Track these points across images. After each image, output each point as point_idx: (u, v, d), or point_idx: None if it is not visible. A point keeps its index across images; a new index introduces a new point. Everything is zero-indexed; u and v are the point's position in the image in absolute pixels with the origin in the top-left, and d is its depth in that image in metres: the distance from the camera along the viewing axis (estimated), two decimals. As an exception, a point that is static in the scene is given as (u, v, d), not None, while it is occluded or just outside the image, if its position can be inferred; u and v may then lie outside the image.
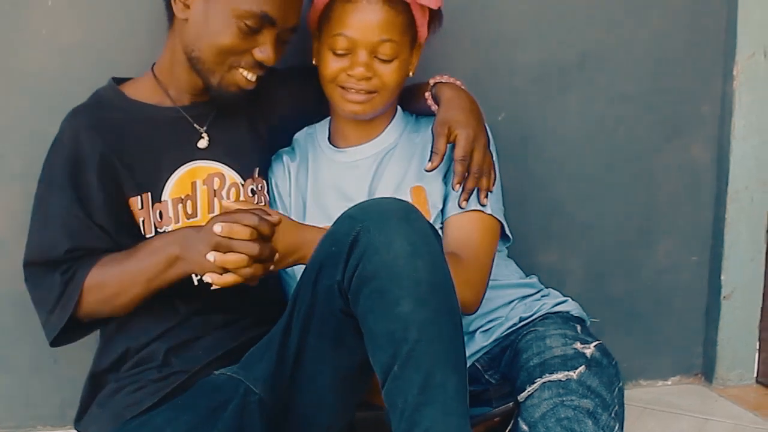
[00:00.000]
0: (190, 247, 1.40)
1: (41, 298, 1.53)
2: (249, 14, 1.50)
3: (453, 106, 1.59)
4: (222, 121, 1.63)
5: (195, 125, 1.62)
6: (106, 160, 1.53)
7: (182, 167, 1.59)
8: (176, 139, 1.60)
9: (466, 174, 1.56)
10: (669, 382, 2.18)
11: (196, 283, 1.56)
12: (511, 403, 1.45)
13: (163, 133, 1.59)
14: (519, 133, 1.98)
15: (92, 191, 1.52)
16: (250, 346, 1.49)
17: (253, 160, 1.66)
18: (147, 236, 1.55)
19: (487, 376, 1.64)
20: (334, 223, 1.33)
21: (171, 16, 1.58)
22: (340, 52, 1.57)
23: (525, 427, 1.41)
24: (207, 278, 1.36)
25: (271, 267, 1.39)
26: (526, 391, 1.45)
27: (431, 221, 1.54)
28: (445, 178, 1.62)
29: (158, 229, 1.56)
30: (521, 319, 1.64)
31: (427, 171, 1.55)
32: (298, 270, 1.63)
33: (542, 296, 1.70)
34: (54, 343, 1.53)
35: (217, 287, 1.37)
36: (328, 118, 1.72)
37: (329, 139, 1.71)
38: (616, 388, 1.51)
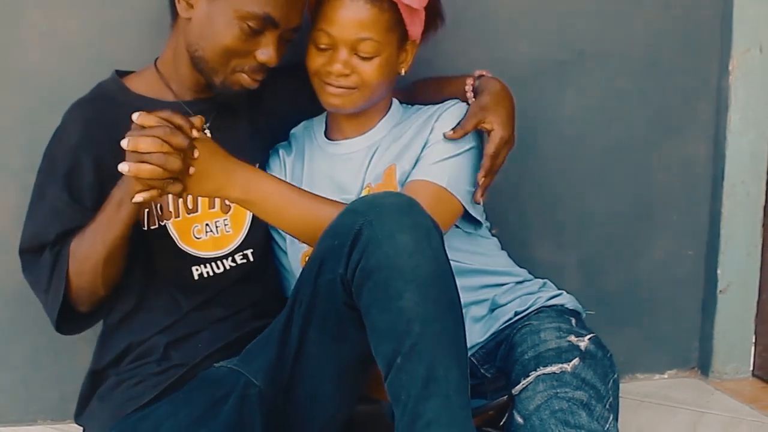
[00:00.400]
0: (123, 180, 1.39)
1: (37, 281, 1.52)
2: (252, 16, 1.49)
3: (498, 101, 1.61)
4: (223, 116, 1.63)
5: (197, 121, 1.63)
6: (106, 153, 1.52)
7: (183, 162, 1.60)
8: None
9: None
10: (665, 376, 2.18)
11: (196, 277, 1.57)
12: (505, 397, 1.46)
13: None
14: (515, 128, 1.98)
15: (91, 183, 1.52)
16: (250, 338, 1.50)
17: (254, 156, 1.66)
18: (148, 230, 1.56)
19: (482, 370, 1.65)
20: (337, 216, 1.34)
21: (174, 14, 1.58)
22: (322, 46, 1.58)
23: (520, 420, 1.41)
24: (121, 167, 1.32)
25: (187, 192, 1.37)
26: (521, 383, 1.46)
27: None
28: (418, 160, 1.61)
29: (159, 223, 1.57)
30: (516, 314, 1.64)
31: (445, 137, 1.57)
32: (297, 266, 1.65)
33: (539, 288, 1.71)
34: (60, 328, 1.52)
35: (139, 201, 1.34)
36: (326, 112, 1.73)
37: (326, 132, 1.72)
38: (611, 380, 1.52)
